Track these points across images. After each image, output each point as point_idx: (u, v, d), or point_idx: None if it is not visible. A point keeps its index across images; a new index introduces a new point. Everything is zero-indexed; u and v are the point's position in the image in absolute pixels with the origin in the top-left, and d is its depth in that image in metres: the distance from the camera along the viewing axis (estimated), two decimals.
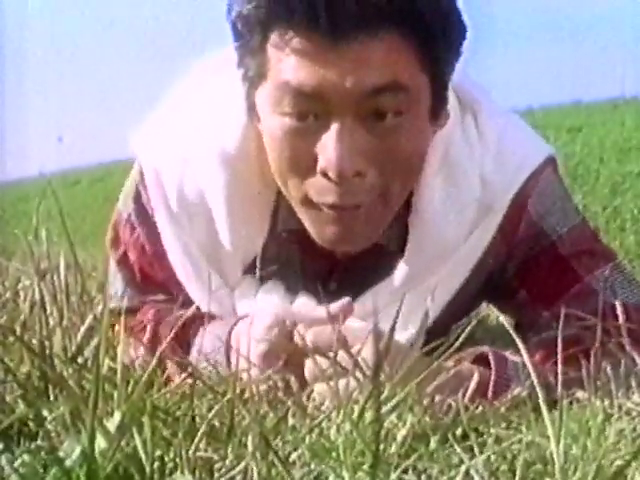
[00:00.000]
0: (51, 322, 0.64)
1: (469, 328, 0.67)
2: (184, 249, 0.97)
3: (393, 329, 0.61)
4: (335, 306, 0.78)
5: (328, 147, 0.81)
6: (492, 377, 0.77)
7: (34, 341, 0.61)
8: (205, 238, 0.95)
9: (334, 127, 0.81)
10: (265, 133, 0.87)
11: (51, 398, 0.57)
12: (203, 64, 1.04)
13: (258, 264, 0.90)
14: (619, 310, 0.81)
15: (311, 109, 0.82)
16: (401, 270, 0.95)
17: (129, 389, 0.52)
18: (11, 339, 0.62)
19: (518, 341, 0.57)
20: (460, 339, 0.65)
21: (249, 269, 0.96)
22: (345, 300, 0.79)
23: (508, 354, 0.81)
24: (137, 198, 0.99)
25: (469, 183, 0.94)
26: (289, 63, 0.81)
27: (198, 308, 0.83)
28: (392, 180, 0.85)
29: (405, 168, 0.86)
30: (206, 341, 0.81)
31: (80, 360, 0.60)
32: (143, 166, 0.99)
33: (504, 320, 0.63)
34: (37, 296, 0.66)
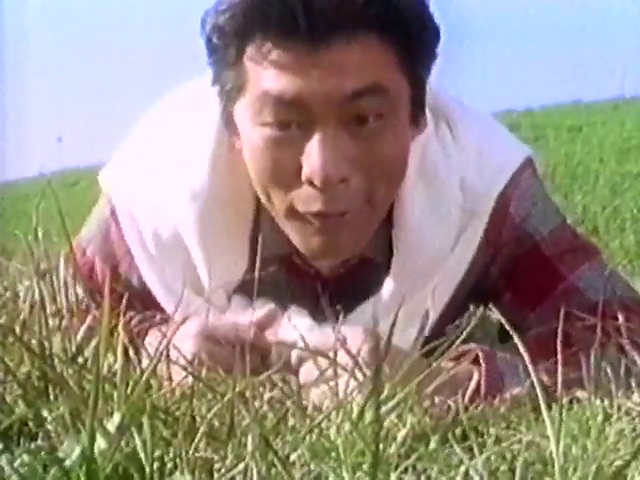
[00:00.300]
0: (51, 322, 0.64)
1: (469, 328, 0.67)
2: (166, 287, 0.96)
3: (392, 328, 0.61)
4: (260, 313, 0.80)
5: (312, 154, 0.81)
6: (483, 373, 0.77)
7: (34, 341, 0.61)
8: (186, 274, 0.94)
9: (317, 134, 0.81)
10: (246, 146, 0.86)
11: (51, 398, 0.57)
12: (169, 97, 1.03)
13: (255, 286, 0.89)
14: (618, 309, 0.81)
15: (292, 117, 0.81)
16: (389, 283, 0.95)
17: (129, 389, 0.52)
18: (11, 339, 0.62)
19: (517, 340, 0.57)
20: (460, 339, 0.65)
21: (237, 291, 0.95)
22: (270, 307, 0.81)
23: (497, 352, 0.81)
24: (106, 235, 0.99)
25: (449, 190, 0.94)
26: (268, 74, 0.81)
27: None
28: (377, 185, 0.85)
29: (389, 172, 0.86)
30: (153, 340, 0.80)
31: (80, 360, 0.60)
32: (117, 208, 0.98)
33: (503, 320, 0.63)
34: (37, 296, 0.66)
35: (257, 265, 0.77)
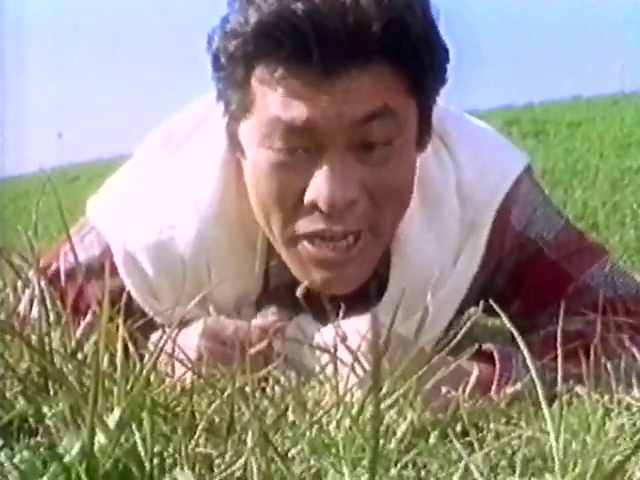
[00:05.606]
0: (51, 317, 0.64)
1: (468, 324, 0.67)
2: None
3: (393, 321, 0.61)
4: (268, 322, 0.81)
5: (319, 178, 0.80)
6: (496, 375, 0.77)
7: (34, 337, 0.61)
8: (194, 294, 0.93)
9: (325, 159, 0.80)
10: (249, 167, 0.86)
11: (51, 394, 0.57)
12: (160, 133, 1.01)
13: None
14: (618, 305, 0.81)
15: (302, 143, 0.81)
16: (387, 296, 0.93)
17: (129, 385, 0.52)
18: (10, 335, 0.62)
19: (516, 334, 0.57)
20: (459, 335, 0.65)
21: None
22: (278, 318, 0.82)
23: (513, 350, 0.81)
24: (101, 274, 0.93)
25: (446, 204, 0.94)
26: (277, 98, 0.80)
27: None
28: (383, 210, 0.84)
29: (396, 197, 0.85)
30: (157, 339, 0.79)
31: (80, 356, 0.60)
32: (112, 245, 0.94)
33: (504, 316, 0.63)
34: (37, 292, 0.66)
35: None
